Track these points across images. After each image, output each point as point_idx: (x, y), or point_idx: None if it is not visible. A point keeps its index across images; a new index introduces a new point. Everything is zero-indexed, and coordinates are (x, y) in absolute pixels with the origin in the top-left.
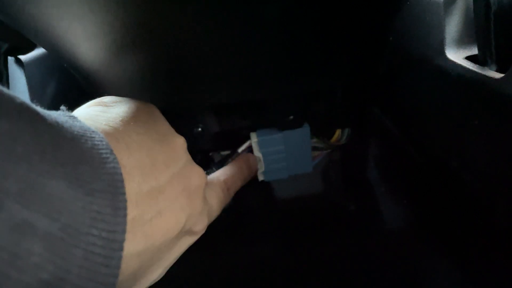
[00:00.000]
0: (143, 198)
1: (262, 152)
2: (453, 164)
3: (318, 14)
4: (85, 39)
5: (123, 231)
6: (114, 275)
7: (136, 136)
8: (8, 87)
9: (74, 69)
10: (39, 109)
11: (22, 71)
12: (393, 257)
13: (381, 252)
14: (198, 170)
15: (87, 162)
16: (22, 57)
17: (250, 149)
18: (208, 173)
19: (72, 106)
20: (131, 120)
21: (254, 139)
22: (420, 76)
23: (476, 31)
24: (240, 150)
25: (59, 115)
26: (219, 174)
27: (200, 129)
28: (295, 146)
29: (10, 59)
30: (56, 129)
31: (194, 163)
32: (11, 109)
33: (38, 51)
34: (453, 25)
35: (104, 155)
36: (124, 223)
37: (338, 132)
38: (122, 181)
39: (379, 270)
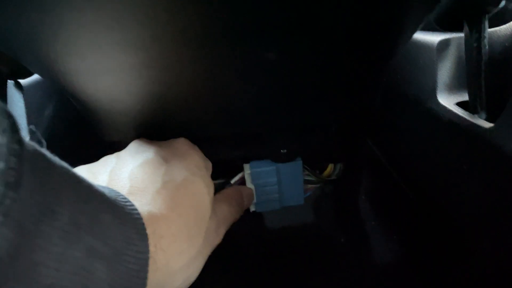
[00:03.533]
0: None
1: (255, 184)
2: (442, 203)
3: (315, 57)
4: (89, 76)
5: (147, 251)
6: (143, 283)
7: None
8: None
9: (73, 98)
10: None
11: (21, 94)
12: None
13: (369, 285)
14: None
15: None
16: (22, 81)
17: (242, 180)
18: None
19: (69, 129)
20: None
21: (247, 170)
22: (412, 117)
23: (468, 79)
24: (233, 181)
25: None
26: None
27: None
28: (288, 179)
29: (9, 82)
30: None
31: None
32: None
33: (37, 75)
34: (445, 70)
35: (123, 203)
36: (147, 245)
37: (330, 166)
38: (139, 213)
39: None
